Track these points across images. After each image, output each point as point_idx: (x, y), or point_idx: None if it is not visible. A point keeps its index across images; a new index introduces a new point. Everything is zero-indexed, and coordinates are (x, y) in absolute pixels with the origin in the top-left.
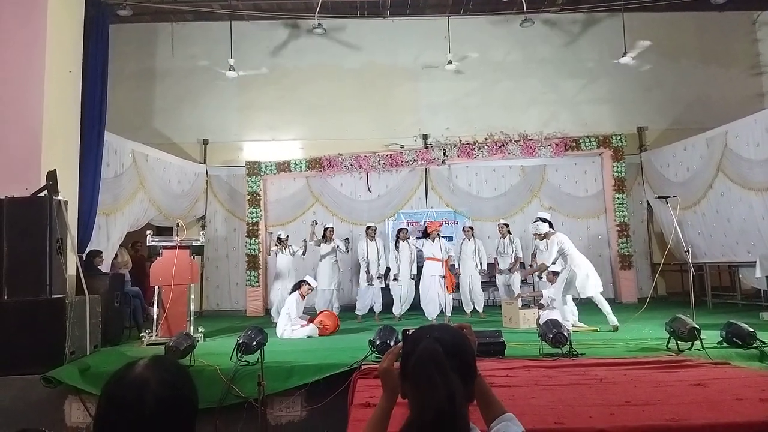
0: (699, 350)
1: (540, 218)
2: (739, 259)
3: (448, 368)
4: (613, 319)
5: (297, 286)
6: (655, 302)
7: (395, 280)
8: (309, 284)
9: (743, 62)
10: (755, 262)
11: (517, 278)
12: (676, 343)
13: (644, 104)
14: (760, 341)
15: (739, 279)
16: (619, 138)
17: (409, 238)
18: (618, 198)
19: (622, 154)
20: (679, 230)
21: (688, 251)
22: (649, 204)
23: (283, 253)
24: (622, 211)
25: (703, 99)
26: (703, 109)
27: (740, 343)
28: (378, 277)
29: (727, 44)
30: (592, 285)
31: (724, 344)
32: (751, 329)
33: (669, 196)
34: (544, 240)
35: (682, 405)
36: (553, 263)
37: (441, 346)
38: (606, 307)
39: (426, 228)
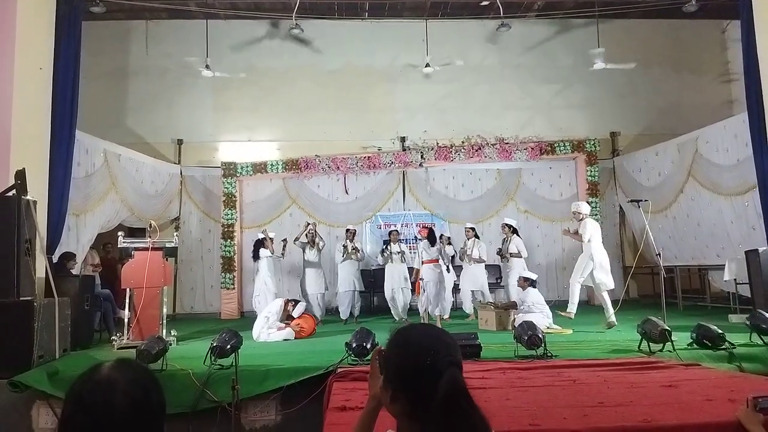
0: (670, 352)
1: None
2: (709, 262)
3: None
4: (611, 315)
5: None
6: (627, 304)
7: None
8: (296, 308)
9: (713, 70)
10: (724, 265)
11: (485, 282)
12: (648, 344)
13: (617, 110)
14: (729, 343)
15: (708, 282)
16: (592, 143)
17: (400, 241)
18: (591, 202)
19: (595, 158)
20: (650, 234)
21: (659, 254)
22: (621, 208)
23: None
24: (596, 215)
25: (675, 105)
26: (675, 115)
27: (710, 344)
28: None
29: (698, 52)
30: (610, 279)
31: (695, 346)
32: (720, 331)
33: (641, 200)
34: (580, 222)
35: (654, 406)
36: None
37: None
38: (609, 304)
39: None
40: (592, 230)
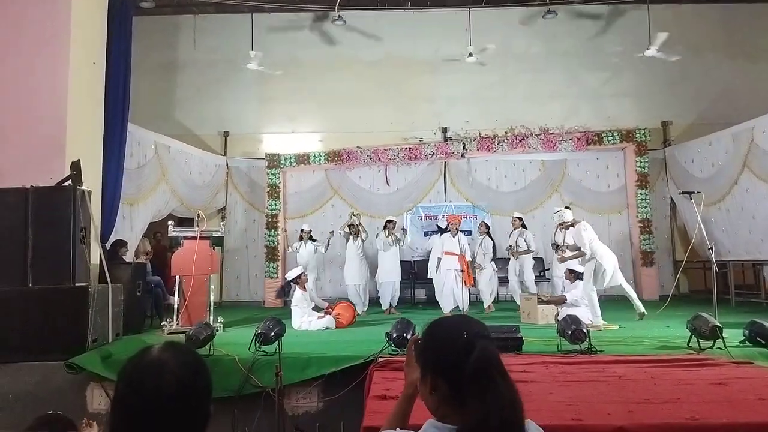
0: (721, 349)
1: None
2: (764, 257)
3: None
4: (639, 306)
5: (290, 283)
6: (677, 300)
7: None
8: (300, 275)
9: None
10: None
11: (530, 273)
12: (698, 341)
13: (669, 98)
14: None
15: (763, 277)
16: (642, 132)
17: (398, 231)
18: (641, 194)
19: (645, 148)
20: (702, 227)
21: (711, 248)
22: (672, 200)
23: (305, 246)
24: (645, 207)
25: (729, 93)
26: (729, 104)
27: (763, 342)
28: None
29: (754, 37)
30: (619, 275)
31: (747, 343)
32: None
33: (693, 192)
34: (569, 229)
35: (702, 404)
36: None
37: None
38: (633, 294)
39: (448, 223)
40: (588, 235)
